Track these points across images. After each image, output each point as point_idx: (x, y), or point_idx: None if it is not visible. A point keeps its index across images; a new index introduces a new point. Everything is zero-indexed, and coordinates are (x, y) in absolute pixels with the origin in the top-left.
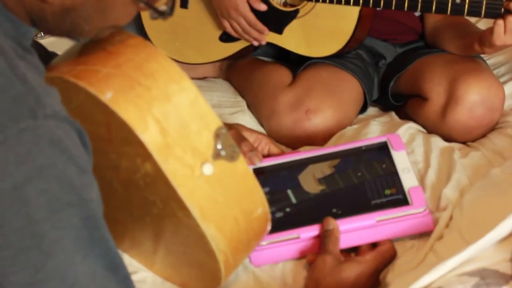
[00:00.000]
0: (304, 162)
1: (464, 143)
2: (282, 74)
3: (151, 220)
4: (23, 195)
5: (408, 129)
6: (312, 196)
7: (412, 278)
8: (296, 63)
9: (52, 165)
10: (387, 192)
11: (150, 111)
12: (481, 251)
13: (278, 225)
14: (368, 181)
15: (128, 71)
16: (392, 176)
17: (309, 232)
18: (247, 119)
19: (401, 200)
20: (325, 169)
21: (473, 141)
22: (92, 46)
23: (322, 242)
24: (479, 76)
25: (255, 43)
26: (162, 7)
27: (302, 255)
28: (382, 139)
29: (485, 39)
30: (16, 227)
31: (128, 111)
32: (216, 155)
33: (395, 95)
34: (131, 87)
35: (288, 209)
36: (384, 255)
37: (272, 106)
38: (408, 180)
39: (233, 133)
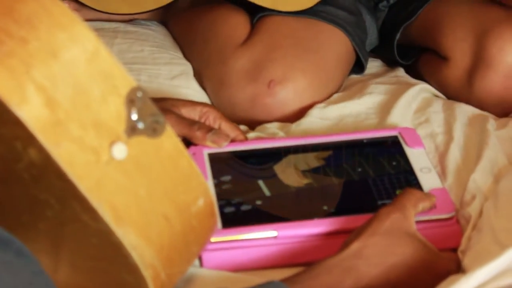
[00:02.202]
0: (281, 150)
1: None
2: (236, 23)
3: (46, 227)
4: None
5: (421, 92)
6: (293, 189)
7: None
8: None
9: None
10: (399, 192)
11: (29, 74)
12: None
13: (245, 219)
14: (373, 178)
15: None
16: (406, 175)
17: (292, 229)
18: (192, 85)
19: None
20: (311, 160)
21: None
22: None
23: (397, 198)
24: None
25: None
26: None
27: (278, 264)
28: (391, 133)
29: None
30: None
31: None
32: (131, 130)
33: (403, 48)
34: None
35: (259, 202)
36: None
37: (221, 74)
38: (429, 180)
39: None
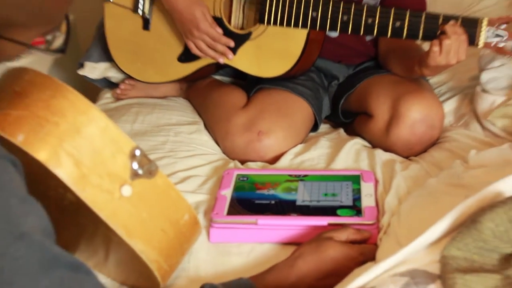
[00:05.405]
0: (284, 176)
1: (407, 157)
2: (237, 96)
3: (90, 237)
4: None
5: (354, 145)
6: (277, 199)
7: (350, 279)
8: (253, 83)
9: None
10: (340, 212)
11: (62, 146)
12: (414, 254)
13: (240, 211)
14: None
15: (37, 111)
16: (355, 196)
17: (268, 220)
18: (204, 138)
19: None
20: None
21: (415, 156)
22: (3, 88)
23: (336, 228)
24: (420, 96)
25: (221, 60)
26: (56, 44)
27: (259, 241)
28: (356, 173)
29: (422, 60)
30: None
31: (40, 150)
32: (134, 175)
33: (345, 113)
34: (41, 125)
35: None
36: (370, 252)
37: (226, 127)
38: (368, 201)
39: None
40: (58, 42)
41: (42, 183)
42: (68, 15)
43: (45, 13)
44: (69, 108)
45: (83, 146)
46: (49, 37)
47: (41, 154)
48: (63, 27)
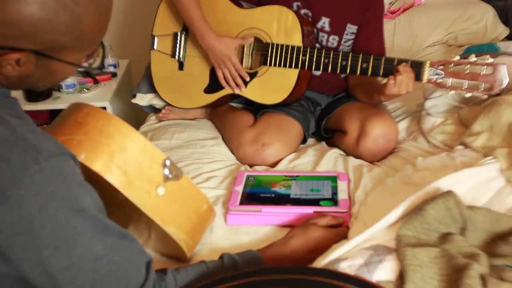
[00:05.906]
0: (284, 176)
1: (371, 162)
2: (247, 118)
3: (136, 223)
4: (45, 213)
5: (333, 154)
6: (276, 194)
7: (328, 253)
8: (259, 108)
9: (59, 190)
10: (322, 203)
11: (113, 161)
12: (376, 234)
13: (249, 201)
14: (318, 192)
15: (94, 136)
16: (333, 191)
17: (269, 209)
18: (222, 149)
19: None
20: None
21: (378, 161)
22: (69, 118)
23: (318, 216)
24: (381, 118)
25: (236, 91)
26: (96, 64)
27: (263, 224)
28: (334, 174)
29: (381, 90)
30: (46, 234)
31: (97, 164)
32: (166, 179)
33: (326, 130)
34: (97, 146)
35: (260, 195)
36: (344, 233)
37: (239, 140)
38: (343, 195)
39: None
40: (97, 62)
41: (101, 187)
42: (103, 41)
43: (86, 38)
44: (117, 133)
45: (128, 160)
46: (91, 60)
47: (97, 167)
48: (100, 52)
